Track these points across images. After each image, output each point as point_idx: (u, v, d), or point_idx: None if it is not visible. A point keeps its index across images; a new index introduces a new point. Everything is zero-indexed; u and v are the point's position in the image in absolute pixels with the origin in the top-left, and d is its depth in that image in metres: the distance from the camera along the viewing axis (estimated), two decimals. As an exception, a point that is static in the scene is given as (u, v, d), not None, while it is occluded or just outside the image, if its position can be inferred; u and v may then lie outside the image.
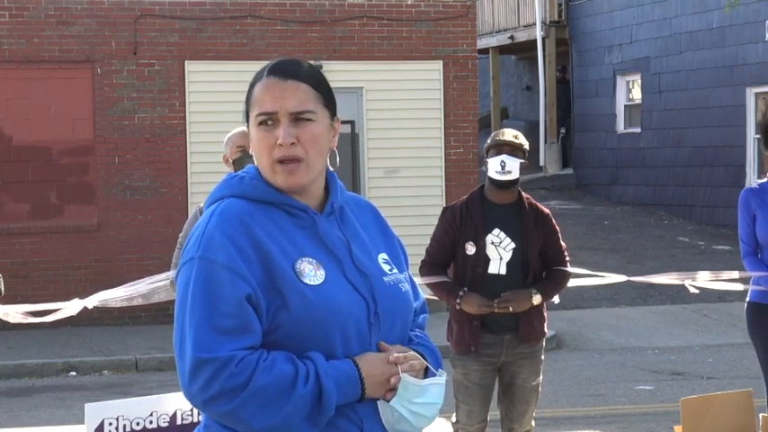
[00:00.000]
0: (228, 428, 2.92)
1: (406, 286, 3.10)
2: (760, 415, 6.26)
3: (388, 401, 2.93)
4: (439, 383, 2.98)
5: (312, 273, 2.93)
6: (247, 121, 3.05)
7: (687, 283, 7.65)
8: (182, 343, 2.91)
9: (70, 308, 6.24)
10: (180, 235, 6.66)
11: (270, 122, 2.96)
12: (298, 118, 2.96)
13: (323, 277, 2.93)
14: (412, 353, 3.01)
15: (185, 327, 2.91)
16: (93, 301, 6.21)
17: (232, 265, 2.87)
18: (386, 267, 3.07)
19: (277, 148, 2.95)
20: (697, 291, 7.77)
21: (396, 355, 2.96)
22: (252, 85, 3.02)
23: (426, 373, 3.02)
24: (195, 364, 2.84)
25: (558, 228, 6.76)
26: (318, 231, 3.00)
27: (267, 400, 2.82)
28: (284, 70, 3.00)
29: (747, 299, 7.14)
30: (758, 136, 20.44)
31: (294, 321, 2.89)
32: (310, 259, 2.95)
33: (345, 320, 2.93)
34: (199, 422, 5.22)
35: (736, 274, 7.74)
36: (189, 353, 2.86)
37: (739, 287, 7.95)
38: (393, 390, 2.93)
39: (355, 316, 2.95)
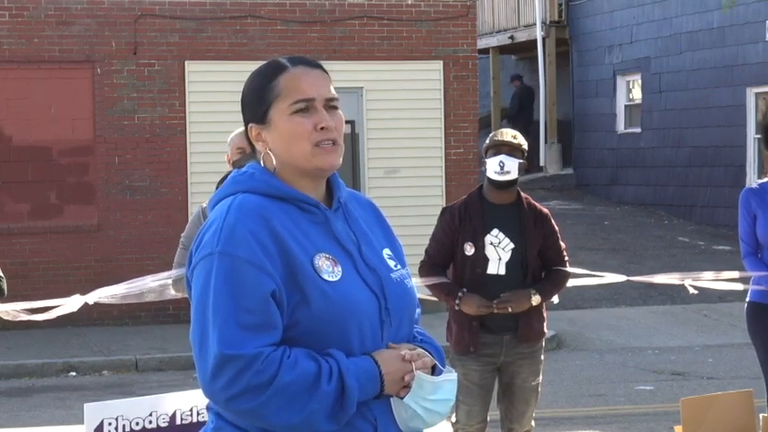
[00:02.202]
0: (240, 429, 2.92)
1: (411, 282, 3.12)
2: (760, 415, 6.26)
3: (402, 399, 2.94)
4: (451, 379, 2.99)
5: (330, 269, 2.94)
6: (260, 119, 3.03)
7: (687, 282, 7.65)
8: (203, 340, 2.86)
9: (70, 304, 6.24)
10: (182, 235, 6.63)
11: (306, 110, 2.98)
12: (330, 105, 3.01)
13: (340, 274, 2.94)
14: (421, 350, 3.03)
15: (208, 323, 2.85)
16: (93, 297, 6.19)
17: (255, 260, 2.85)
18: (391, 263, 3.09)
19: (316, 133, 2.98)
20: (696, 291, 7.77)
21: (410, 352, 2.97)
22: (268, 82, 3.01)
23: (434, 371, 3.03)
24: (220, 361, 2.81)
25: (557, 228, 6.76)
26: (331, 227, 3.01)
27: (291, 397, 2.82)
28: (308, 61, 3.06)
29: (747, 299, 7.14)
30: (758, 136, 20.43)
31: (313, 318, 2.89)
32: (327, 255, 2.95)
33: (362, 318, 2.94)
34: (199, 422, 5.23)
35: (736, 274, 7.74)
36: (213, 349, 2.82)
37: (739, 287, 7.95)
38: (406, 387, 2.93)
39: (369, 313, 2.96)
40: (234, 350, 2.80)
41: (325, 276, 2.92)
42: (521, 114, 25.54)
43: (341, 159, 3.03)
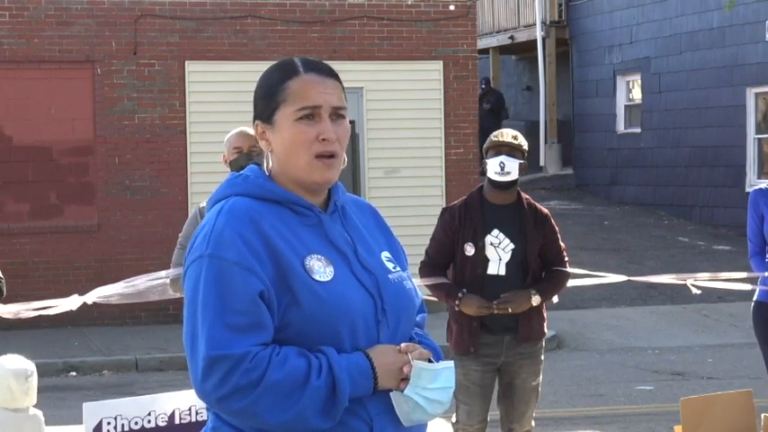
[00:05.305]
0: (238, 429, 2.93)
1: (410, 284, 3.13)
2: (762, 415, 6.25)
3: (402, 391, 2.94)
4: (449, 366, 3.00)
5: (322, 270, 2.95)
6: (266, 119, 3.04)
7: (689, 282, 7.65)
8: (193, 341, 2.89)
9: (68, 303, 6.24)
10: (180, 235, 6.65)
11: (311, 117, 2.99)
12: (337, 114, 3.01)
13: (332, 274, 2.95)
14: (417, 344, 3.04)
15: (197, 325, 2.88)
16: (92, 296, 6.20)
17: (243, 262, 2.87)
18: (389, 265, 3.10)
19: (318, 144, 2.98)
20: (699, 291, 7.77)
21: (405, 344, 2.99)
22: (278, 83, 3.02)
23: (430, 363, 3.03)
24: (209, 362, 2.83)
25: (556, 228, 6.76)
26: (325, 229, 3.02)
27: (282, 394, 2.83)
28: (321, 68, 3.05)
29: (755, 298, 7.15)
30: (761, 136, 20.46)
31: (305, 318, 2.90)
32: (319, 256, 2.97)
33: (355, 317, 2.95)
34: (198, 422, 5.23)
35: (743, 275, 7.76)
36: (202, 351, 2.84)
37: (740, 287, 7.97)
38: (405, 380, 2.94)
39: (364, 313, 2.97)
40: (222, 351, 2.82)
41: (317, 277, 2.93)
42: (496, 123, 23.25)
43: (338, 173, 3.04)
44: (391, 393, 2.96)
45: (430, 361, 3.02)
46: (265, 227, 2.93)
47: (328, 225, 3.03)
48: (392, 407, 2.98)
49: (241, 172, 3.10)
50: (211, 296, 2.86)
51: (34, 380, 6.52)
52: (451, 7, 16.37)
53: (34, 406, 6.13)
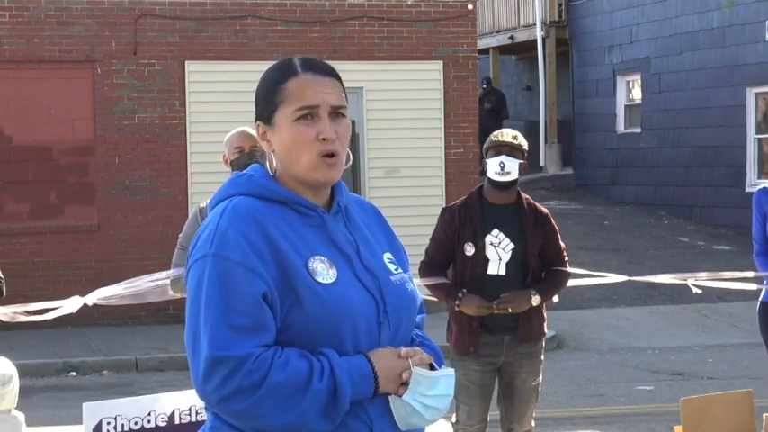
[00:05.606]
0: (237, 429, 2.92)
1: (412, 285, 3.12)
2: (764, 415, 6.25)
3: (401, 396, 2.94)
4: (449, 375, 3.00)
5: (325, 271, 2.94)
6: (266, 119, 3.04)
7: (690, 282, 7.65)
8: (195, 341, 2.87)
9: (69, 305, 6.24)
10: (180, 235, 6.64)
11: (309, 117, 2.98)
12: (336, 113, 3.00)
13: (335, 276, 2.95)
14: (418, 348, 3.03)
15: (200, 325, 2.87)
16: (92, 298, 6.20)
17: (247, 263, 2.86)
18: (392, 267, 3.09)
19: (319, 143, 2.97)
20: (700, 290, 7.76)
21: (405, 349, 2.98)
22: (277, 83, 3.01)
23: (431, 369, 3.03)
24: (211, 363, 2.82)
25: (556, 228, 6.76)
26: (328, 230, 3.02)
27: (283, 396, 2.83)
28: (319, 67, 3.04)
29: (760, 299, 7.15)
30: (761, 136, 20.46)
31: (307, 320, 2.90)
32: (322, 258, 2.96)
33: (357, 319, 2.94)
34: (197, 422, 5.23)
35: (750, 274, 7.76)
36: (204, 351, 2.83)
37: (740, 287, 7.97)
38: (405, 385, 2.94)
39: (366, 314, 2.96)
40: (224, 351, 2.82)
41: (319, 279, 2.92)
42: (497, 123, 22.98)
43: (341, 172, 3.03)
44: (390, 398, 2.96)
45: (431, 366, 3.01)
46: (269, 227, 2.93)
47: (331, 226, 3.03)
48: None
49: (244, 171, 3.09)
50: (215, 296, 2.86)
51: (13, 384, 6.51)
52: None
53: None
